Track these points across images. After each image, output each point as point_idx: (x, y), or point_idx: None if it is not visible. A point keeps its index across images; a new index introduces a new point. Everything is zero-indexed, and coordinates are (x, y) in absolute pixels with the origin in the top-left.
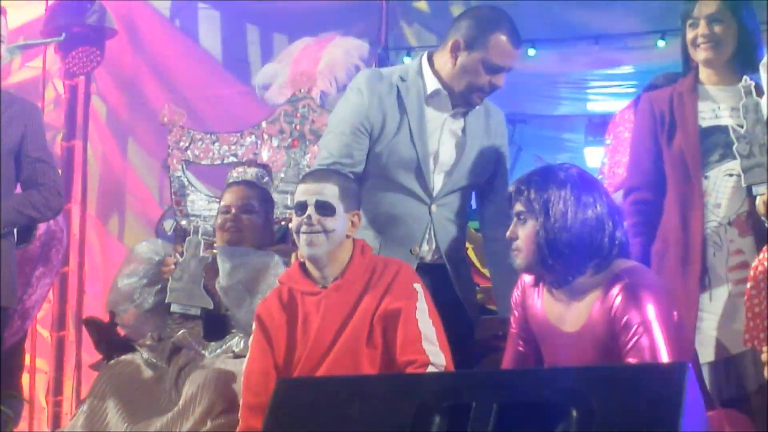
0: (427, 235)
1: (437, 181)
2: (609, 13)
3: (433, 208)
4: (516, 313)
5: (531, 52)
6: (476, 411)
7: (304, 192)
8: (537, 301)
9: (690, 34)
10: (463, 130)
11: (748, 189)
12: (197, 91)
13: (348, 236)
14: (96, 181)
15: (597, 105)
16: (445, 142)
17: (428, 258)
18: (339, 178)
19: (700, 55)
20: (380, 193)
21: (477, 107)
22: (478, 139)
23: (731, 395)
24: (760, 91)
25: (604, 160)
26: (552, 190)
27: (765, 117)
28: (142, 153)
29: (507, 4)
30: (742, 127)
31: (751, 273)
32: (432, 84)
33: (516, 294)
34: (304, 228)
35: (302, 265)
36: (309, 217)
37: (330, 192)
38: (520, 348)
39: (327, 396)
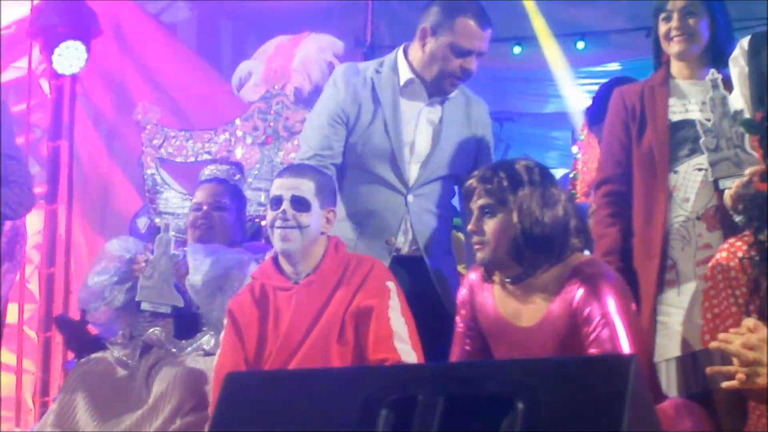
0: (403, 226)
1: (413, 171)
2: (595, 11)
3: (410, 198)
4: (463, 311)
5: (516, 49)
6: (422, 404)
7: (280, 187)
8: (488, 298)
9: (663, 28)
10: (441, 120)
11: (715, 183)
12: (183, 90)
13: (322, 233)
14: (82, 182)
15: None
16: (421, 132)
17: (405, 249)
18: (316, 174)
19: (673, 48)
20: (357, 184)
21: (457, 97)
22: (456, 129)
23: (697, 390)
24: (728, 85)
25: (578, 155)
26: (524, 183)
27: (732, 111)
28: (127, 153)
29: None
30: (709, 120)
31: (708, 273)
32: (406, 74)
33: (462, 292)
34: (278, 223)
35: (275, 260)
36: (284, 212)
37: (306, 188)
38: (467, 347)
39: (274, 390)
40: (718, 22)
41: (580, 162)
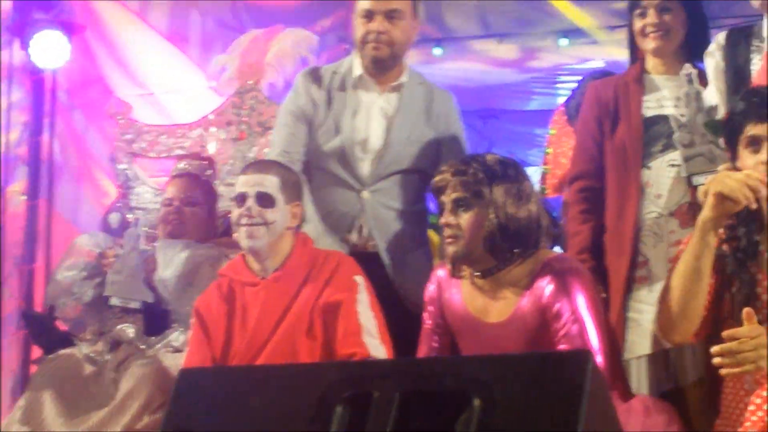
0: (358, 223)
1: (367, 167)
2: (578, 7)
3: (365, 194)
4: (430, 308)
5: (498, 46)
6: (378, 400)
7: (245, 183)
8: (455, 294)
9: (638, 24)
10: (395, 111)
11: (689, 179)
12: (164, 86)
13: (289, 228)
14: (61, 177)
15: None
16: (374, 126)
17: (361, 246)
18: (280, 170)
19: (648, 44)
20: (318, 184)
21: (415, 88)
22: (413, 121)
23: (668, 387)
24: (703, 80)
25: (548, 150)
26: (499, 177)
27: (707, 106)
28: (106, 148)
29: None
30: (684, 116)
31: (676, 256)
32: (358, 69)
33: (430, 288)
34: (244, 220)
35: (243, 257)
36: (249, 208)
37: (271, 183)
38: (435, 344)
39: (229, 386)
40: (693, 19)
41: (550, 157)
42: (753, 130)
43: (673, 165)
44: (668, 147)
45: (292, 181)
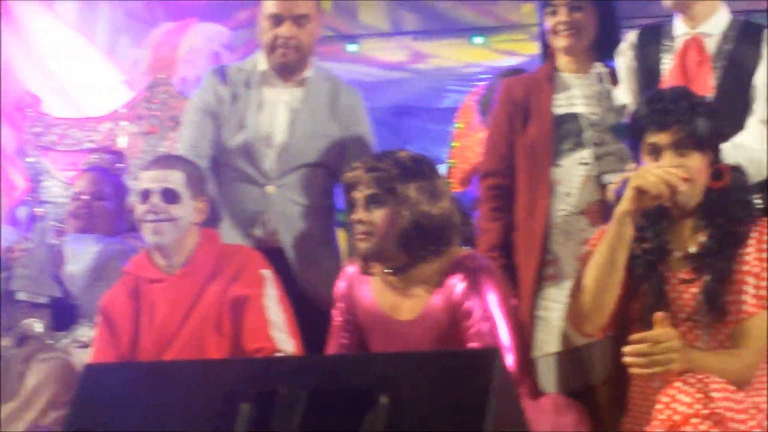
0: (263, 218)
1: (271, 161)
2: (493, 6)
3: (269, 189)
4: (340, 304)
5: (412, 43)
6: (284, 398)
7: (149, 179)
8: (366, 290)
9: (550, 21)
10: (300, 105)
11: (599, 178)
12: (77, 80)
13: (195, 223)
14: None
15: None
16: (279, 121)
17: (265, 241)
18: (185, 165)
19: (559, 42)
20: (224, 179)
21: (320, 83)
22: (317, 115)
23: (577, 386)
24: (614, 79)
25: (455, 143)
26: (412, 174)
27: (617, 105)
28: (14, 141)
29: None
30: (595, 114)
31: (584, 255)
32: (263, 64)
33: (340, 285)
34: (149, 216)
35: (148, 253)
36: (154, 205)
37: (175, 179)
38: (344, 340)
39: (134, 382)
40: (604, 17)
41: (457, 150)
42: (653, 138)
43: (583, 163)
44: (578, 145)
45: (197, 176)
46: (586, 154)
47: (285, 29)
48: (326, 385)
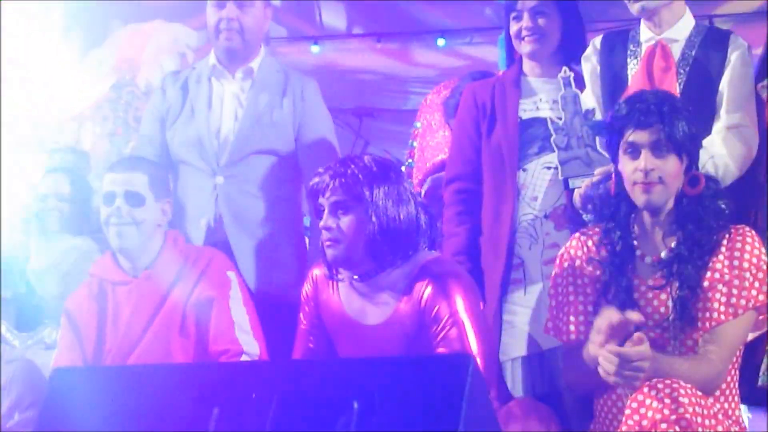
0: (211, 209)
1: (220, 152)
2: (456, 9)
3: (218, 179)
4: (306, 308)
5: (376, 45)
6: (256, 403)
7: (113, 182)
8: (333, 295)
9: (514, 27)
10: (246, 93)
11: (565, 182)
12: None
13: (159, 225)
14: None
15: None
16: (227, 112)
17: (215, 231)
18: (148, 166)
19: (524, 48)
20: (178, 177)
21: (270, 72)
22: (264, 101)
23: (544, 390)
24: (579, 83)
25: (413, 143)
26: (378, 179)
27: (584, 109)
28: None
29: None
30: (561, 119)
31: (557, 261)
32: (212, 58)
33: (307, 288)
34: (113, 220)
35: (114, 256)
36: (118, 208)
37: (139, 181)
38: (311, 345)
39: (104, 386)
40: (568, 22)
41: (416, 151)
42: (632, 136)
43: (548, 167)
44: (544, 149)
45: (160, 178)
46: (551, 157)
47: (226, 11)
48: (299, 390)
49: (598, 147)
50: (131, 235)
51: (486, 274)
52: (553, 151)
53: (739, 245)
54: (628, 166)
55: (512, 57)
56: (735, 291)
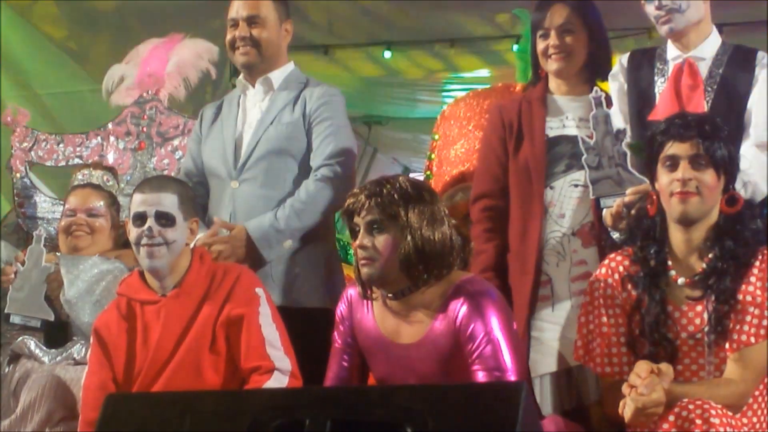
0: (227, 213)
1: (238, 157)
2: (464, 17)
3: (233, 184)
4: (341, 327)
5: (386, 54)
6: (309, 429)
7: (142, 202)
8: (367, 314)
9: (541, 45)
10: (269, 103)
11: (597, 201)
12: (48, 88)
13: (187, 244)
14: None
15: None
16: (248, 120)
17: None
18: (176, 186)
19: (551, 66)
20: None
21: (290, 84)
22: (275, 105)
23: (571, 406)
24: (610, 102)
25: (432, 156)
26: (413, 199)
27: (615, 129)
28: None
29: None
30: (591, 137)
31: (588, 288)
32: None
33: (342, 308)
34: (144, 240)
35: (141, 275)
36: (149, 228)
37: (169, 201)
38: (345, 363)
39: (158, 412)
40: (595, 39)
41: (434, 164)
42: (672, 149)
43: (576, 185)
44: (571, 167)
45: (188, 197)
46: (578, 175)
47: (239, 30)
48: (351, 416)
49: (629, 166)
50: (162, 255)
51: (514, 291)
52: (581, 169)
53: None
54: (665, 179)
55: (538, 75)
56: (767, 313)
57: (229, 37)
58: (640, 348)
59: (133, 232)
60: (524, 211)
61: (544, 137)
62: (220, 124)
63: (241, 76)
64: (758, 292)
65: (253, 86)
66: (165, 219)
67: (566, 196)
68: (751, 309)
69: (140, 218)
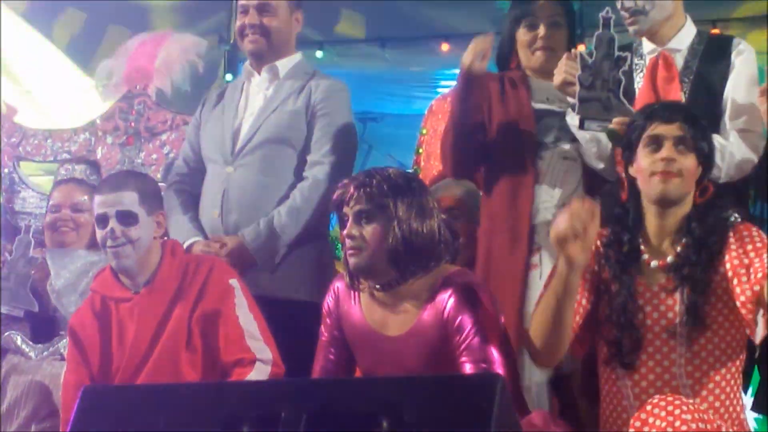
0: (221, 199)
1: (235, 143)
2: (458, 12)
3: (229, 169)
4: (328, 320)
5: (380, 50)
6: (285, 421)
7: (102, 204)
8: (354, 305)
9: (526, 35)
10: (272, 92)
11: (581, 122)
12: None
13: (155, 238)
14: None
15: None
16: (250, 107)
17: (223, 222)
18: (136, 182)
19: (535, 60)
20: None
21: (297, 74)
22: (279, 95)
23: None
24: (616, 25)
25: (420, 150)
26: (403, 191)
27: (616, 54)
28: None
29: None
30: (591, 56)
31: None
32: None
33: (329, 301)
34: (109, 242)
35: (113, 272)
36: (112, 230)
37: (129, 199)
38: (332, 357)
39: (134, 405)
40: (574, 34)
41: (422, 158)
42: (657, 129)
43: (565, 157)
44: (560, 139)
45: (151, 192)
46: (567, 147)
47: (249, 17)
48: (327, 408)
49: (621, 95)
50: (128, 254)
51: (503, 263)
52: (569, 142)
53: (747, 239)
54: (647, 160)
55: (506, 63)
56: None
57: (238, 23)
58: (607, 332)
59: (98, 234)
60: (512, 181)
61: (532, 108)
62: (221, 110)
63: (247, 63)
64: (736, 261)
65: (259, 74)
66: (127, 218)
67: (556, 168)
68: (738, 275)
69: (102, 220)
